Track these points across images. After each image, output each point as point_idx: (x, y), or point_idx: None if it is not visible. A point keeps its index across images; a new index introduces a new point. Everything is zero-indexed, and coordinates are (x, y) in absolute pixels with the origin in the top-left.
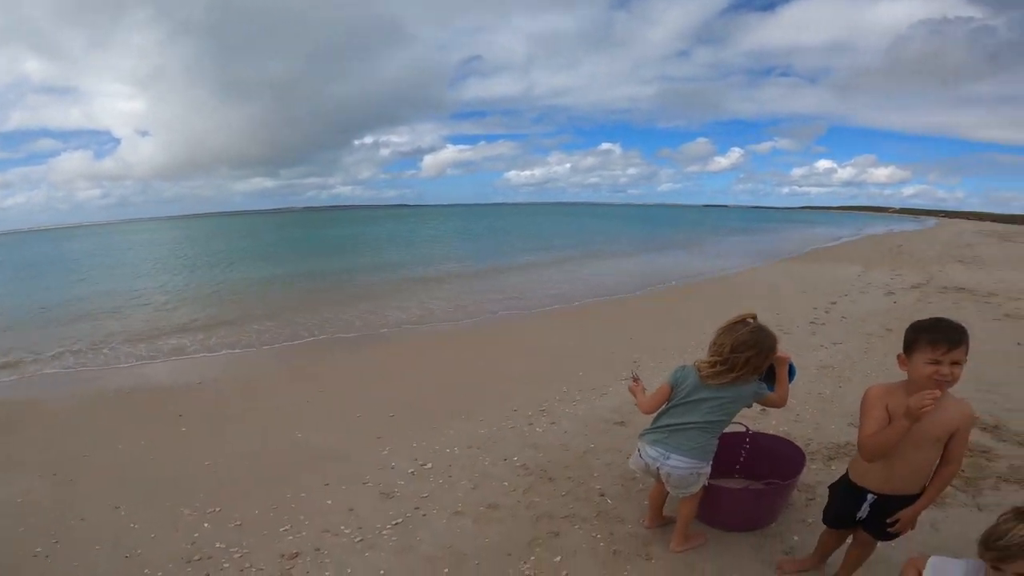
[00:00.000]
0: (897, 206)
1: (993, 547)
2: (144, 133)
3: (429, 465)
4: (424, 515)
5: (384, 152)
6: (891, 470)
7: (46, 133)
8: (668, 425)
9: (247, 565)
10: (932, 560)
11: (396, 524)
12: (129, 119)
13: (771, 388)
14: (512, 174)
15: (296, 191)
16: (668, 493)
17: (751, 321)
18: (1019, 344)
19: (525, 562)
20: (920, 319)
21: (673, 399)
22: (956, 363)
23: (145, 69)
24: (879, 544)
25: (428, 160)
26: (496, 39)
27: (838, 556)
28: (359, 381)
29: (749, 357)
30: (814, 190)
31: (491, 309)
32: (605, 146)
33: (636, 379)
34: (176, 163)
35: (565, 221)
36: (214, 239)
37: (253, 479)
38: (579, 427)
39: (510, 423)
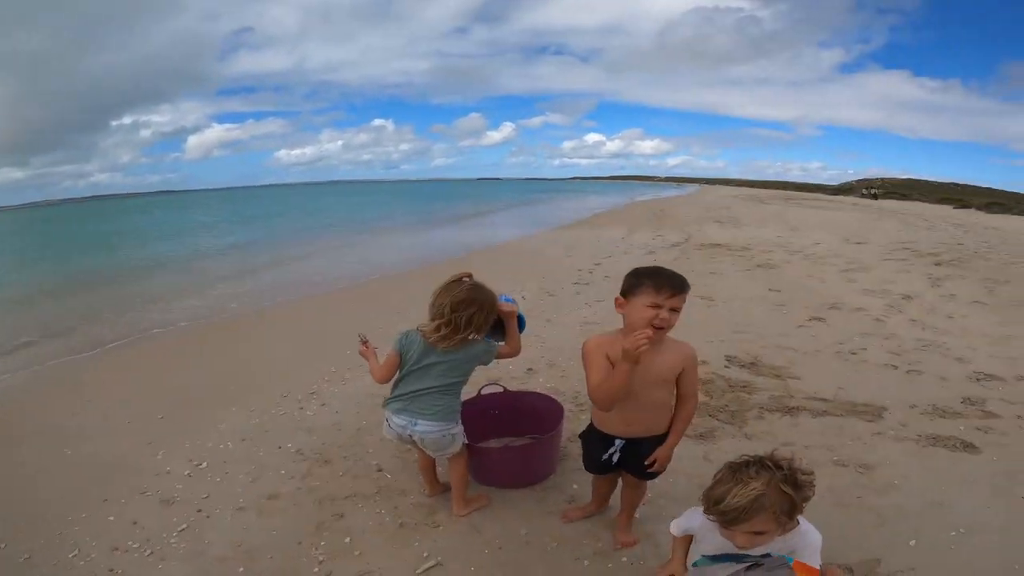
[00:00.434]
0: (663, 175)
1: (715, 511)
2: None
3: (205, 464)
4: (208, 516)
5: (145, 133)
6: (629, 415)
7: None
8: (407, 393)
9: None
10: (687, 513)
11: (182, 530)
12: None
13: (502, 341)
14: (283, 153)
15: (50, 181)
16: (435, 459)
17: (467, 280)
18: (770, 290)
19: (316, 548)
20: (641, 266)
21: (404, 366)
22: (675, 310)
23: None
24: (658, 480)
25: (193, 141)
26: (268, 9)
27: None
28: (127, 386)
29: (472, 315)
30: (584, 162)
31: (257, 297)
32: (378, 122)
33: (365, 343)
34: None
35: (339, 200)
36: None
37: (29, 507)
38: (350, 406)
39: (281, 410)
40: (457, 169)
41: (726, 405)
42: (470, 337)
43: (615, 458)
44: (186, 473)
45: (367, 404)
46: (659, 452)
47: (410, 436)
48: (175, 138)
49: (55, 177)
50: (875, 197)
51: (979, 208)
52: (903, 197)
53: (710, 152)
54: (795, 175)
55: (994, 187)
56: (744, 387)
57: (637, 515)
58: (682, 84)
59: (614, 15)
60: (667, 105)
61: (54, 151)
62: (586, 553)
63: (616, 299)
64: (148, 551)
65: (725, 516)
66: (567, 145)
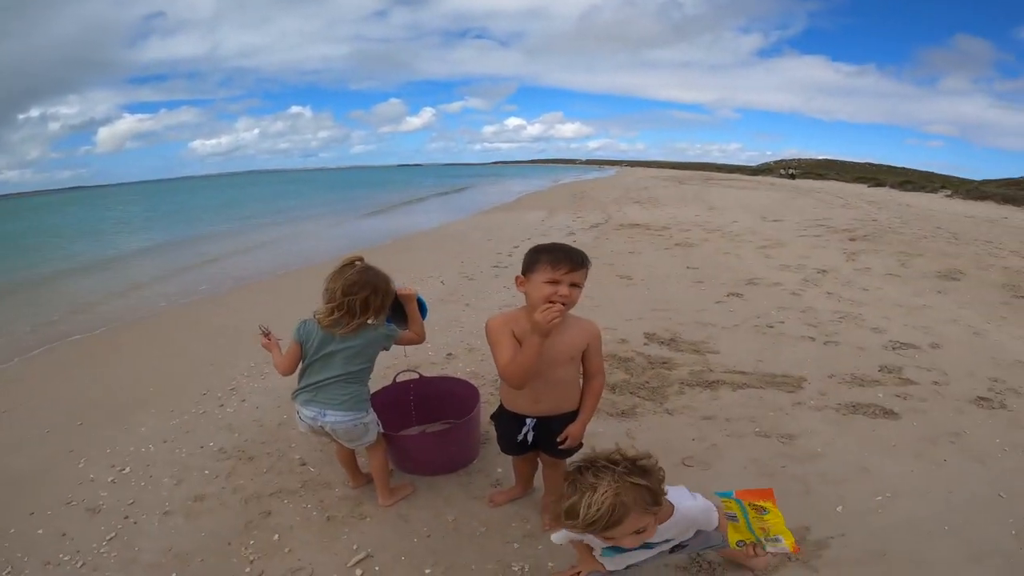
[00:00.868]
0: (584, 158)
1: (580, 526)
2: None
3: (128, 469)
4: (135, 523)
5: (54, 126)
6: (536, 393)
7: None
8: (312, 383)
9: None
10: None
11: (111, 539)
12: None
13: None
14: (198, 143)
15: None
16: (353, 449)
17: (358, 263)
18: (688, 268)
19: (246, 547)
20: (541, 243)
21: (306, 357)
22: (575, 285)
23: None
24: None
25: (104, 133)
26: None
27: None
28: (43, 395)
29: (366, 297)
30: (505, 146)
31: (175, 295)
32: (295, 109)
33: (266, 334)
34: None
35: (258, 191)
36: None
37: None
38: (270, 401)
39: (201, 408)
40: (377, 156)
41: (647, 382)
42: (369, 321)
43: (529, 438)
44: (110, 480)
45: (287, 398)
46: (571, 429)
47: (321, 427)
48: (85, 131)
49: None
50: (792, 177)
51: (893, 186)
52: (820, 177)
53: (630, 134)
54: (715, 156)
55: (908, 167)
56: (664, 363)
57: None
58: (602, 67)
59: None
60: (587, 88)
61: None
62: (516, 536)
63: (517, 277)
64: (80, 562)
65: (593, 527)
66: (488, 130)
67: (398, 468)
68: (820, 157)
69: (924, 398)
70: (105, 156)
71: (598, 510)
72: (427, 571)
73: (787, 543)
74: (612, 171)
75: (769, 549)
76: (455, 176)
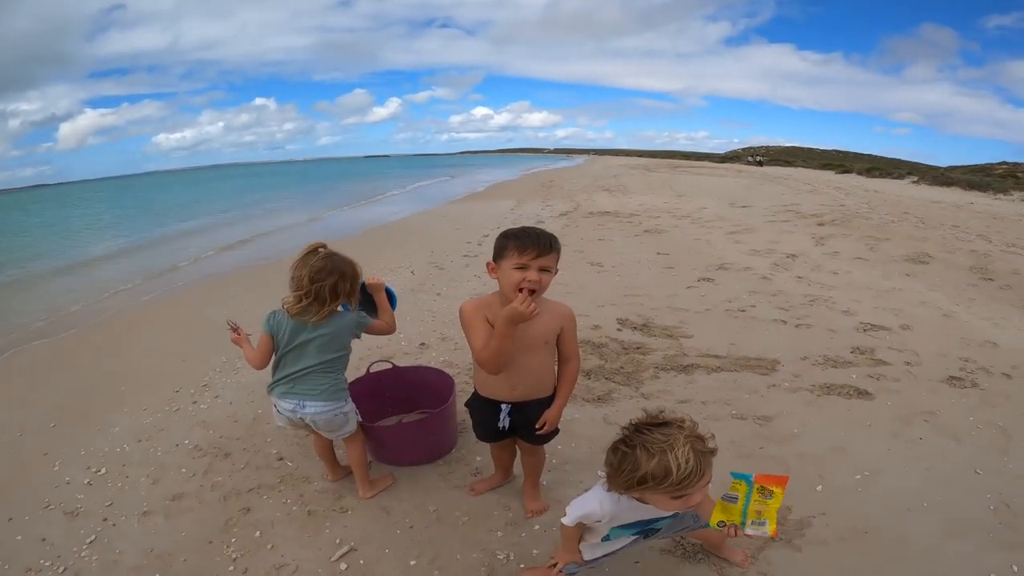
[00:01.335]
0: (552, 147)
1: (666, 487)
2: None
3: (103, 471)
4: (114, 525)
5: (14, 123)
6: (511, 379)
7: None
8: (288, 375)
9: None
10: (569, 507)
11: (91, 542)
12: None
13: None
14: (161, 138)
15: None
16: (332, 442)
17: (322, 249)
18: (658, 254)
19: (228, 545)
20: (510, 227)
21: (278, 348)
22: (545, 270)
23: None
24: (559, 445)
25: (66, 129)
26: None
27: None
28: (13, 399)
29: (334, 283)
30: (472, 136)
31: (143, 292)
32: (260, 101)
33: (235, 329)
34: None
35: (225, 185)
36: None
37: None
38: (244, 396)
39: (175, 406)
40: (343, 147)
41: (621, 367)
42: (339, 308)
43: (505, 424)
44: (86, 482)
45: (261, 392)
46: (547, 414)
47: (301, 419)
48: (46, 127)
49: None
50: (760, 164)
51: (860, 173)
52: (787, 164)
53: (598, 123)
54: (682, 144)
55: (875, 154)
56: (638, 348)
57: (544, 482)
58: (569, 56)
59: None
60: (554, 77)
61: None
62: (499, 524)
63: (488, 264)
64: (62, 567)
65: (685, 484)
66: (455, 119)
67: (377, 459)
68: (787, 144)
69: (897, 378)
70: (67, 153)
71: (687, 463)
72: (412, 563)
73: (770, 527)
74: (580, 160)
75: (749, 531)
76: (423, 166)
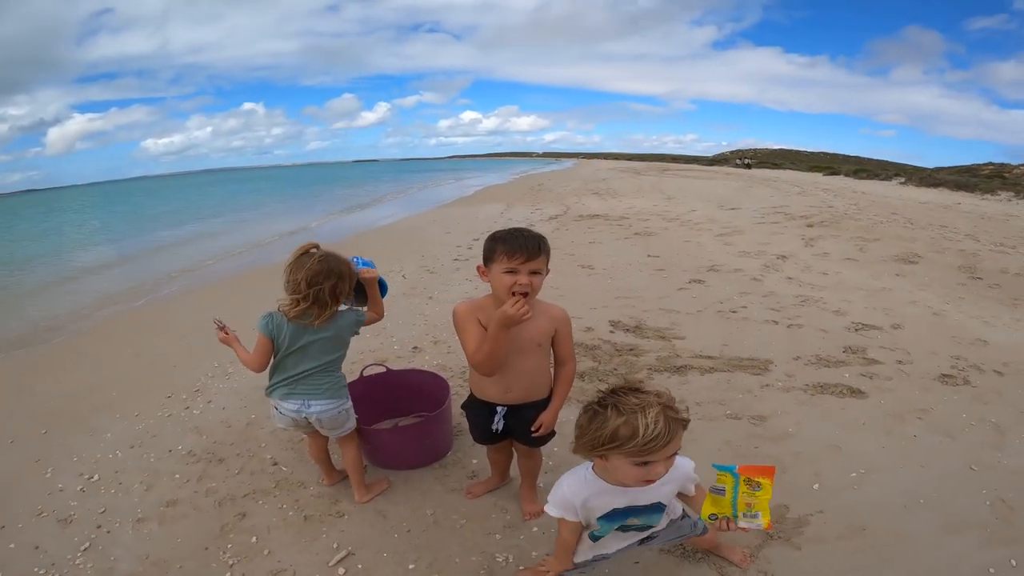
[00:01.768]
0: (540, 151)
1: (632, 449)
2: None
3: (96, 477)
4: (108, 532)
5: (2, 128)
6: (506, 381)
7: None
8: (289, 377)
9: None
10: (550, 498)
11: (85, 549)
12: None
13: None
14: (150, 143)
15: None
16: (327, 446)
17: (315, 251)
18: (649, 256)
19: (224, 551)
20: (498, 230)
21: (278, 351)
22: (535, 272)
23: None
24: (556, 448)
25: (54, 133)
26: None
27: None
28: (5, 403)
29: (333, 286)
30: (461, 140)
31: (132, 297)
32: (248, 106)
33: (222, 328)
34: None
35: (215, 190)
36: None
37: None
38: (237, 401)
39: (167, 411)
40: (332, 152)
41: (615, 369)
42: (339, 308)
43: (500, 426)
44: (79, 488)
45: (253, 397)
46: (543, 417)
47: (305, 419)
48: (35, 132)
49: None
50: (748, 167)
51: (848, 175)
52: (776, 166)
53: (586, 127)
54: (670, 147)
55: (862, 156)
56: (631, 350)
57: (540, 484)
58: (556, 60)
59: None
60: (542, 81)
61: None
62: (496, 527)
63: (478, 267)
64: (56, 575)
65: (651, 446)
66: (443, 124)
67: (372, 463)
68: (775, 147)
69: (889, 377)
70: (56, 158)
71: (656, 425)
72: (411, 566)
73: (764, 520)
74: (569, 163)
75: (743, 524)
76: (412, 171)
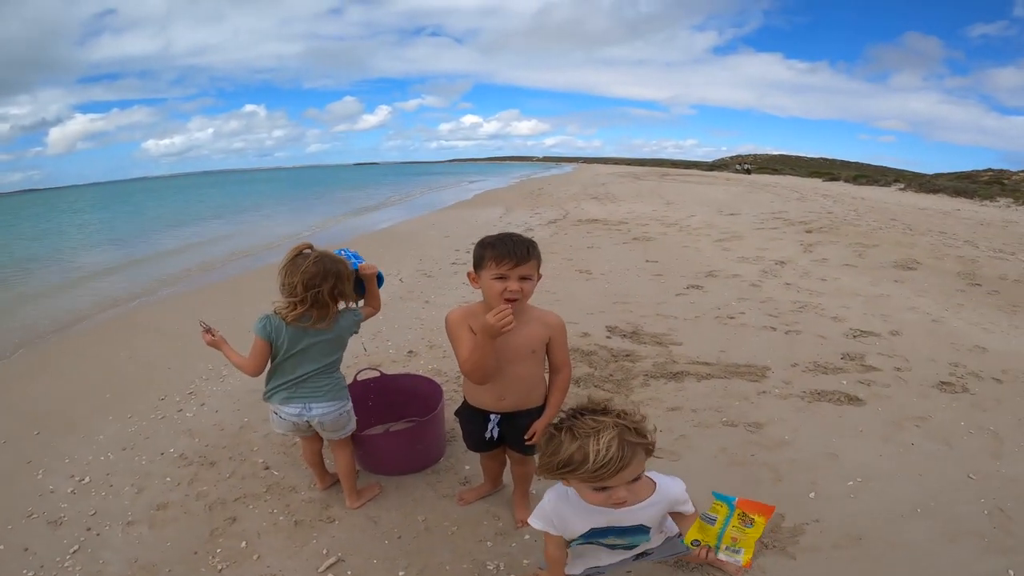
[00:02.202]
0: (541, 155)
1: (584, 474)
2: None
3: (87, 479)
4: (98, 534)
5: (3, 128)
6: (499, 389)
7: None
8: (288, 380)
9: None
10: (535, 511)
11: (75, 552)
12: None
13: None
14: (151, 143)
15: None
16: (321, 449)
17: (308, 251)
18: (647, 261)
19: (213, 556)
20: (488, 235)
21: (277, 355)
22: (525, 278)
23: None
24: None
25: (55, 133)
26: None
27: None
28: None
29: (332, 287)
30: (461, 144)
31: (128, 298)
32: (250, 108)
33: (208, 331)
34: None
35: (216, 192)
36: None
37: None
38: (230, 404)
39: (160, 414)
40: (333, 155)
41: (611, 375)
42: (339, 309)
43: (494, 434)
44: (70, 490)
45: (247, 400)
46: (537, 424)
47: (307, 423)
48: (36, 132)
49: None
50: (748, 172)
51: (847, 180)
52: (775, 172)
53: (586, 132)
54: (670, 152)
55: (861, 161)
56: (627, 356)
57: (533, 491)
58: (558, 65)
59: None
60: (543, 86)
61: None
62: (488, 534)
63: (468, 273)
64: None
65: (602, 472)
66: (444, 127)
67: (364, 468)
68: (775, 152)
69: (887, 384)
70: (57, 158)
71: (608, 450)
72: (401, 573)
73: (745, 557)
74: (569, 168)
75: (722, 557)
76: (412, 174)
